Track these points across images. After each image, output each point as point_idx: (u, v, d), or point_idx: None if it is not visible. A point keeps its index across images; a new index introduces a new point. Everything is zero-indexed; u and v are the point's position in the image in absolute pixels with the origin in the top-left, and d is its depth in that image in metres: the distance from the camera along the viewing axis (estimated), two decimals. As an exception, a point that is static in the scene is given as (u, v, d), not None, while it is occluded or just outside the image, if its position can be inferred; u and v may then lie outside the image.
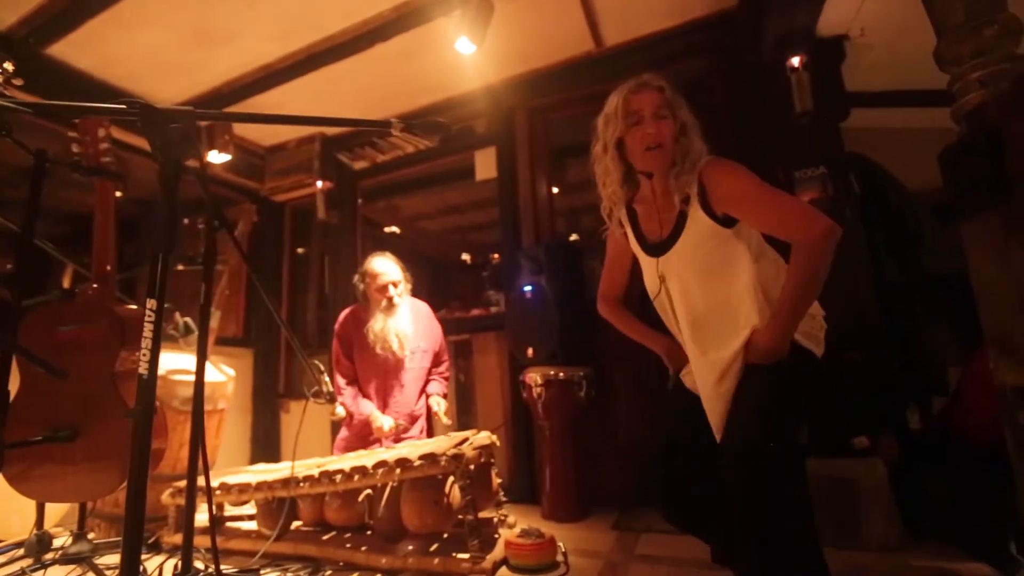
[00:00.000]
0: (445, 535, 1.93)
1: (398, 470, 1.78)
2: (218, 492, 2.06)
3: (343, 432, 2.52)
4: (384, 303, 2.43)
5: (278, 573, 1.68)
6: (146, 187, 3.36)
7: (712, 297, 1.25)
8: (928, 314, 2.18)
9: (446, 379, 2.56)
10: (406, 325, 2.45)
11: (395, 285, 2.45)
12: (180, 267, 2.47)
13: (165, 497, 2.09)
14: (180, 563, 1.26)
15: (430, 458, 1.74)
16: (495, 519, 2.04)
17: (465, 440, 1.91)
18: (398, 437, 2.40)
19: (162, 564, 1.70)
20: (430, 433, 2.52)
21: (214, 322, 2.69)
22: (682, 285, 1.28)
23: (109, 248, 1.74)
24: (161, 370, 2.29)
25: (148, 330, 0.72)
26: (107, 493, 1.61)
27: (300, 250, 4.13)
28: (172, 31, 2.54)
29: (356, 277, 2.53)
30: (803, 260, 1.11)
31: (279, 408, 3.75)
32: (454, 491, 1.79)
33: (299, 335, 3.74)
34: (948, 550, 1.64)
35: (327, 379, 1.89)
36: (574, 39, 2.73)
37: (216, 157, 3.11)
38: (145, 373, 0.71)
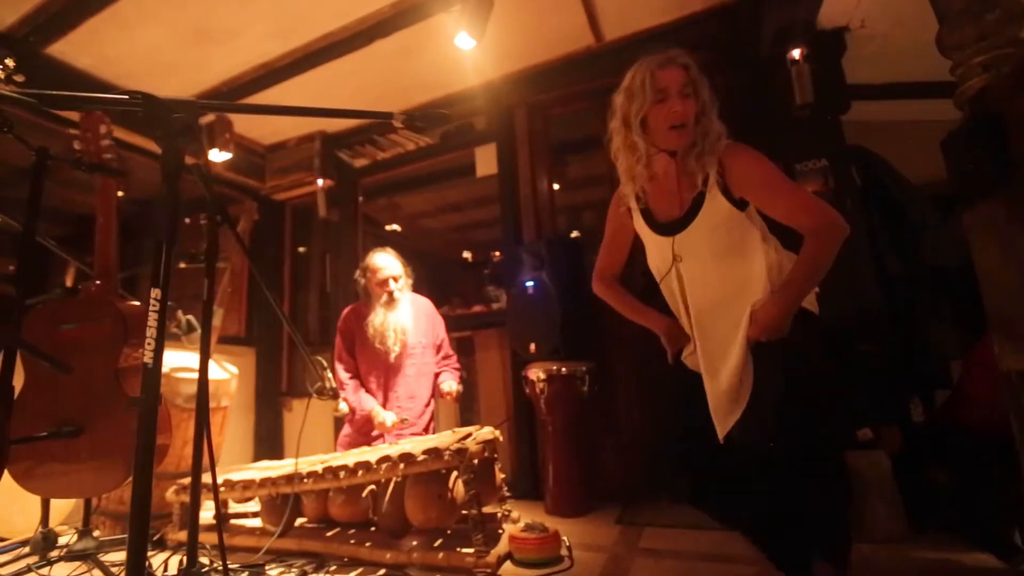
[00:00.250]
0: (449, 531, 1.93)
1: (402, 465, 1.78)
2: (222, 489, 2.06)
3: (346, 429, 2.53)
4: (384, 297, 2.46)
5: (282, 568, 1.68)
6: (148, 187, 3.37)
7: (728, 278, 1.26)
8: (930, 307, 2.18)
9: (456, 370, 2.56)
10: (406, 320, 2.47)
11: (395, 280, 2.48)
12: (182, 264, 2.49)
13: (170, 494, 2.10)
14: (185, 558, 1.26)
15: (434, 453, 1.74)
16: (499, 514, 2.04)
17: (468, 435, 1.91)
18: (401, 433, 2.40)
19: (167, 560, 1.71)
20: (435, 431, 2.53)
21: (217, 320, 2.69)
22: (700, 265, 1.28)
23: (111, 244, 1.74)
24: (165, 368, 2.29)
25: (152, 319, 0.72)
26: (112, 488, 1.61)
27: (301, 249, 4.13)
28: (171, 30, 2.54)
29: (357, 272, 2.56)
30: (814, 246, 1.13)
31: (282, 407, 3.75)
32: (458, 486, 1.80)
33: (301, 335, 3.74)
34: (952, 541, 1.64)
35: (330, 375, 1.90)
36: (573, 34, 2.72)
37: (217, 155, 3.11)
38: (150, 362, 0.72)
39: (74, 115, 1.85)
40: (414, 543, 1.77)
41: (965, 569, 1.48)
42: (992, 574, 1.45)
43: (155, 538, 2.06)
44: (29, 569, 1.69)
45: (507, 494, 2.10)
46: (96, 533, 2.00)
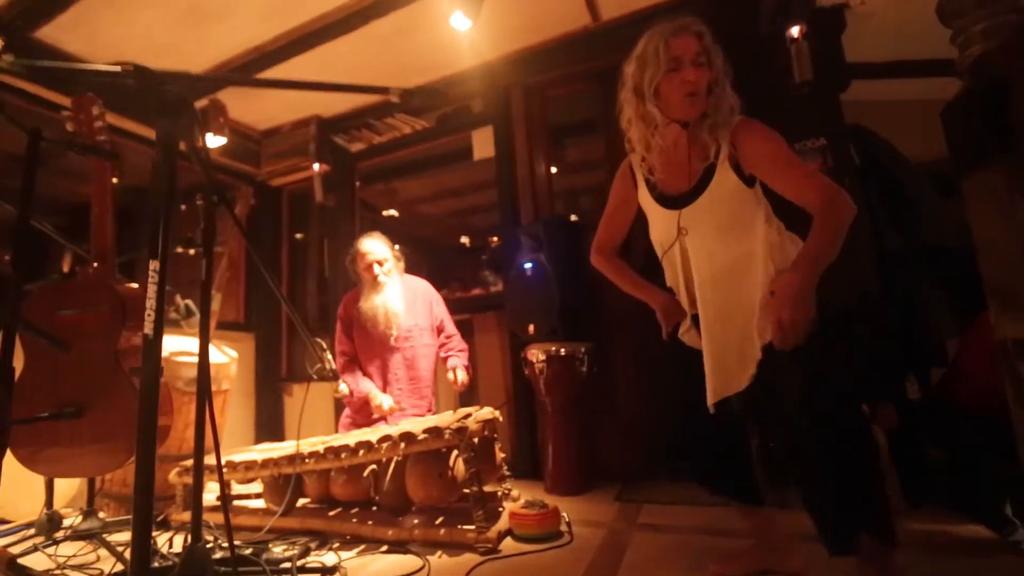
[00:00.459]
0: (450, 509, 1.96)
1: (402, 444, 1.79)
2: (225, 470, 2.08)
3: (346, 411, 2.56)
4: (371, 281, 2.48)
5: (286, 546, 1.70)
6: (142, 174, 3.34)
7: (731, 252, 1.25)
8: (927, 285, 2.19)
9: (462, 351, 2.57)
10: (396, 303, 2.48)
11: (381, 263, 2.50)
12: (179, 249, 2.48)
13: (173, 476, 2.12)
14: (190, 535, 1.28)
15: (434, 431, 1.75)
16: (499, 493, 2.07)
17: (468, 415, 1.93)
18: (401, 414, 2.43)
19: (171, 537, 1.73)
20: (437, 412, 2.55)
21: (215, 305, 2.69)
22: (705, 239, 1.27)
23: (107, 227, 1.74)
24: (164, 352, 2.29)
25: (151, 291, 0.72)
26: (115, 468, 1.63)
27: (298, 235, 4.11)
28: (162, 12, 2.50)
29: (348, 258, 2.59)
30: (821, 223, 1.11)
31: (282, 392, 3.77)
32: (458, 464, 1.82)
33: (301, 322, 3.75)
34: (946, 514, 1.67)
35: (330, 356, 1.91)
36: (570, 13, 2.69)
37: (211, 140, 3.08)
38: (151, 333, 0.72)
39: (66, 100, 1.83)
40: (415, 521, 1.80)
41: (958, 540, 1.51)
42: (984, 545, 1.48)
43: (159, 519, 2.09)
44: (36, 548, 1.71)
45: (507, 473, 2.12)
46: (101, 514, 2.02)
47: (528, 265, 2.52)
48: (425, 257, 5.82)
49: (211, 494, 2.22)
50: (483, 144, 3.18)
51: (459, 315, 3.09)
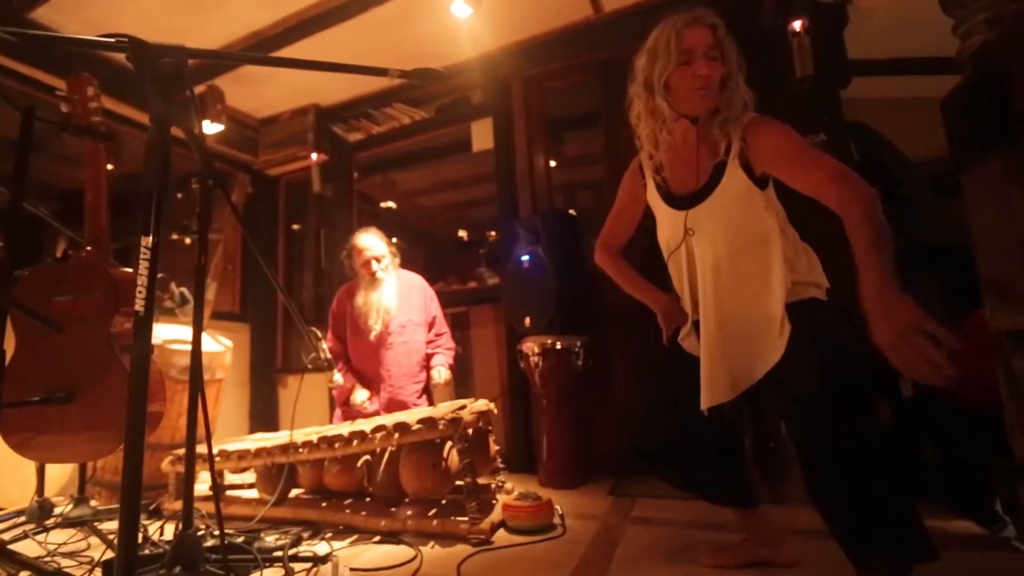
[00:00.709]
0: (444, 500, 1.95)
1: (396, 434, 1.79)
2: (217, 459, 2.07)
3: (338, 411, 2.56)
4: (368, 278, 2.48)
5: (278, 535, 1.70)
6: (138, 161, 3.31)
7: (739, 259, 1.20)
8: (923, 284, 2.19)
9: (449, 350, 2.57)
10: (390, 299, 2.49)
11: (378, 260, 2.50)
12: (175, 236, 2.47)
13: (165, 465, 2.11)
14: (181, 522, 1.27)
15: (428, 422, 1.75)
16: (493, 485, 2.06)
17: (463, 407, 1.92)
18: (391, 408, 2.43)
19: (162, 525, 1.72)
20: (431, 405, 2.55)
21: (211, 294, 2.68)
22: (711, 242, 1.23)
23: (102, 210, 1.72)
24: (158, 340, 2.29)
25: (143, 268, 0.71)
26: (106, 454, 1.62)
27: (295, 226, 4.09)
28: (160, -5, 2.48)
29: (343, 253, 2.59)
30: (857, 215, 0.98)
31: (277, 383, 3.76)
32: (452, 455, 1.81)
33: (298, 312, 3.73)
34: (936, 510, 1.67)
35: (325, 346, 1.90)
36: (572, 4, 2.67)
37: (208, 127, 3.05)
38: (142, 311, 0.71)
39: (61, 82, 1.80)
40: (409, 512, 1.79)
41: (949, 536, 1.51)
42: (974, 540, 1.48)
43: (151, 508, 2.08)
44: (26, 535, 1.70)
45: (501, 465, 2.12)
46: (93, 502, 2.01)
47: (525, 258, 2.51)
48: (423, 250, 5.81)
49: (204, 484, 2.21)
50: (482, 136, 3.17)
51: (456, 308, 3.09)
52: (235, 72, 3.06)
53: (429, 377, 2.56)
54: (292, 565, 1.44)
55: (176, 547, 1.22)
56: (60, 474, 2.29)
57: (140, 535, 1.62)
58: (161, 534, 1.66)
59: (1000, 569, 1.32)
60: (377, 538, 1.71)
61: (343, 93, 3.42)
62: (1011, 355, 0.88)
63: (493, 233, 4.59)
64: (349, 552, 1.62)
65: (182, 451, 2.03)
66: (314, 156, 3.51)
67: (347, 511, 1.88)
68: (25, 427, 1.58)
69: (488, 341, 2.96)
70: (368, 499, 1.98)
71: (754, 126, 1.17)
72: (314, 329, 1.84)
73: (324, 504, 1.97)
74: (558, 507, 1.80)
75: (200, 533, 1.39)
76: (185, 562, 1.21)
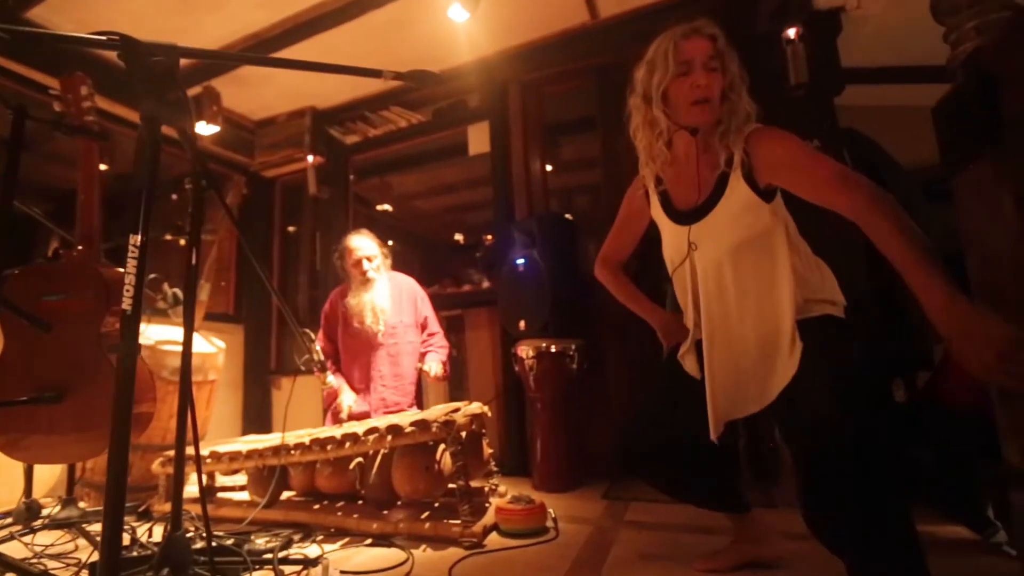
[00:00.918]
0: (436, 503, 1.94)
1: (389, 437, 1.78)
2: (209, 461, 2.06)
3: (329, 414, 2.55)
4: (359, 278, 2.49)
5: (268, 537, 1.68)
6: (132, 160, 3.30)
7: (746, 276, 1.16)
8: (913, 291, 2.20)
9: (442, 348, 2.56)
10: (383, 300, 2.49)
11: (369, 260, 2.50)
12: (168, 236, 2.45)
13: (156, 466, 2.09)
14: (170, 524, 1.26)
15: (421, 424, 1.74)
16: (486, 488, 2.05)
17: (457, 409, 1.92)
18: (385, 411, 2.41)
19: (151, 527, 1.70)
20: (424, 409, 2.54)
21: (204, 295, 2.67)
22: (714, 258, 1.19)
23: (93, 209, 1.71)
24: (150, 341, 2.27)
25: (131, 266, 0.71)
26: (96, 454, 1.60)
27: (291, 228, 4.08)
28: (157, -5, 2.47)
29: (335, 254, 2.60)
30: (881, 220, 0.91)
31: (270, 384, 3.74)
32: (445, 458, 1.80)
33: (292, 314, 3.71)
34: (929, 515, 1.68)
35: (318, 347, 1.89)
36: (568, 9, 2.69)
37: (204, 129, 3.05)
38: (129, 309, 0.70)
39: (55, 81, 1.80)
40: (401, 514, 1.78)
41: (941, 541, 1.52)
42: (966, 546, 1.49)
43: (141, 509, 2.06)
44: (12, 537, 1.67)
45: (494, 468, 2.11)
46: (82, 504, 1.99)
47: (521, 261, 2.51)
48: (419, 253, 5.81)
49: (194, 486, 2.19)
50: (479, 139, 3.17)
51: (451, 311, 3.08)
52: (232, 73, 3.06)
53: (420, 378, 2.55)
54: (282, 568, 1.42)
55: (164, 549, 1.20)
56: (48, 475, 2.27)
57: (128, 537, 1.60)
58: (150, 536, 1.64)
59: (991, 574, 1.32)
60: (369, 541, 1.70)
61: (340, 96, 3.42)
62: (1001, 359, 0.88)
63: (489, 237, 4.59)
64: (340, 555, 1.60)
65: (173, 452, 2.01)
66: (310, 158, 3.50)
67: (339, 513, 1.86)
68: (13, 427, 1.56)
69: (483, 344, 2.95)
70: (360, 502, 1.97)
71: (756, 136, 1.13)
72: (307, 331, 1.83)
73: (316, 506, 1.96)
74: (551, 510, 1.79)
75: (189, 535, 1.37)
76: (173, 565, 1.19)
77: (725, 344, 1.18)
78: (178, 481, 1.30)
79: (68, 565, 1.49)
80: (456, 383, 3.06)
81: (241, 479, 2.24)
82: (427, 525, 1.71)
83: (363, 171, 3.97)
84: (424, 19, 2.62)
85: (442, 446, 1.80)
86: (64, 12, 2.52)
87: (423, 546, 1.63)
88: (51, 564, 1.49)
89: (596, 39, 2.80)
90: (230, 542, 1.53)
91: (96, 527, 1.77)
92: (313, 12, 2.64)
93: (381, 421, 1.93)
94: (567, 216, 3.05)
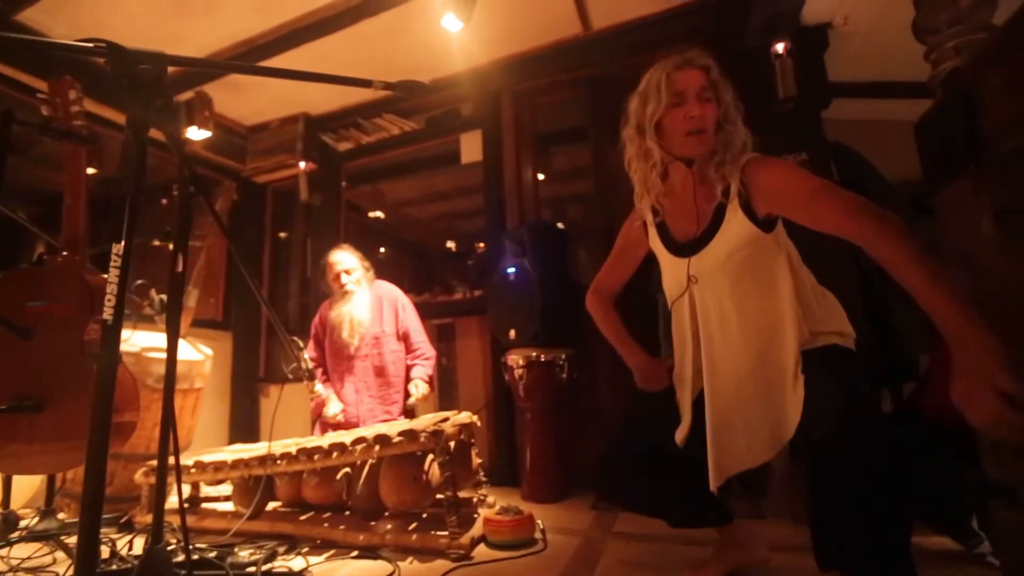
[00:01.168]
0: (424, 514, 1.92)
1: (377, 447, 1.76)
2: (194, 470, 2.02)
3: (318, 424, 2.54)
4: (339, 291, 2.54)
5: (252, 549, 1.65)
6: (120, 165, 3.28)
7: (748, 309, 1.13)
8: (901, 301, 2.23)
9: (428, 359, 2.55)
10: (362, 312, 2.52)
11: (348, 273, 2.54)
12: (156, 242, 2.43)
13: (138, 476, 2.05)
14: (151, 536, 1.23)
15: (409, 434, 1.72)
16: (474, 499, 2.04)
17: (445, 419, 1.90)
18: (370, 421, 2.40)
19: (132, 539, 1.67)
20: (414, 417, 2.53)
21: (192, 301, 2.64)
22: (715, 292, 1.16)
23: (80, 215, 1.69)
24: (135, 348, 2.24)
25: (114, 276, 0.70)
26: (78, 465, 1.57)
27: (282, 234, 4.06)
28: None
29: (319, 272, 2.65)
30: (890, 246, 0.89)
31: (259, 392, 3.70)
32: (433, 468, 1.79)
33: (280, 321, 3.67)
34: (913, 526, 1.68)
35: (307, 356, 1.88)
36: (562, 21, 2.71)
37: (196, 134, 3.03)
38: (110, 319, 0.69)
39: (43, 84, 1.78)
40: (388, 526, 1.76)
41: (925, 552, 1.52)
42: (951, 557, 1.49)
43: (123, 520, 2.02)
44: (-13, 549, 1.63)
45: (483, 479, 2.09)
46: (61, 516, 1.95)
47: (511, 270, 2.51)
48: (411, 260, 5.80)
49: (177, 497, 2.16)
50: (471, 148, 3.19)
51: (442, 319, 3.08)
52: (225, 79, 3.05)
53: (408, 390, 2.54)
54: (265, 581, 1.40)
55: (144, 563, 1.18)
56: (27, 486, 2.22)
57: (108, 550, 1.57)
58: (130, 548, 1.61)
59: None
60: (355, 553, 1.68)
61: (333, 102, 3.42)
62: (983, 373, 0.89)
63: (482, 245, 4.60)
64: (326, 567, 1.58)
65: (156, 462, 1.98)
66: (302, 164, 3.50)
67: (325, 525, 1.84)
68: (-7, 435, 1.53)
69: (473, 352, 2.94)
70: (347, 512, 1.94)
71: (753, 166, 1.11)
72: (296, 339, 1.81)
73: (302, 517, 1.93)
74: (539, 521, 1.78)
75: (171, 548, 1.35)
76: (153, 578, 1.17)
77: (728, 382, 1.13)
78: (160, 492, 1.28)
79: (45, 578, 1.45)
80: (446, 392, 3.05)
81: (226, 489, 2.21)
82: (414, 537, 1.69)
83: (355, 178, 3.97)
84: (418, 28, 2.63)
85: (430, 456, 1.79)
86: (56, 14, 2.51)
87: (410, 558, 1.61)
88: (27, 577, 1.46)
89: (588, 51, 2.83)
90: (213, 555, 1.51)
91: (75, 539, 1.73)
92: (307, 19, 2.65)
93: (369, 431, 1.91)
94: (558, 225, 3.06)
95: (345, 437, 1.90)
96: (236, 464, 1.96)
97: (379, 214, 5.12)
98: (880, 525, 0.93)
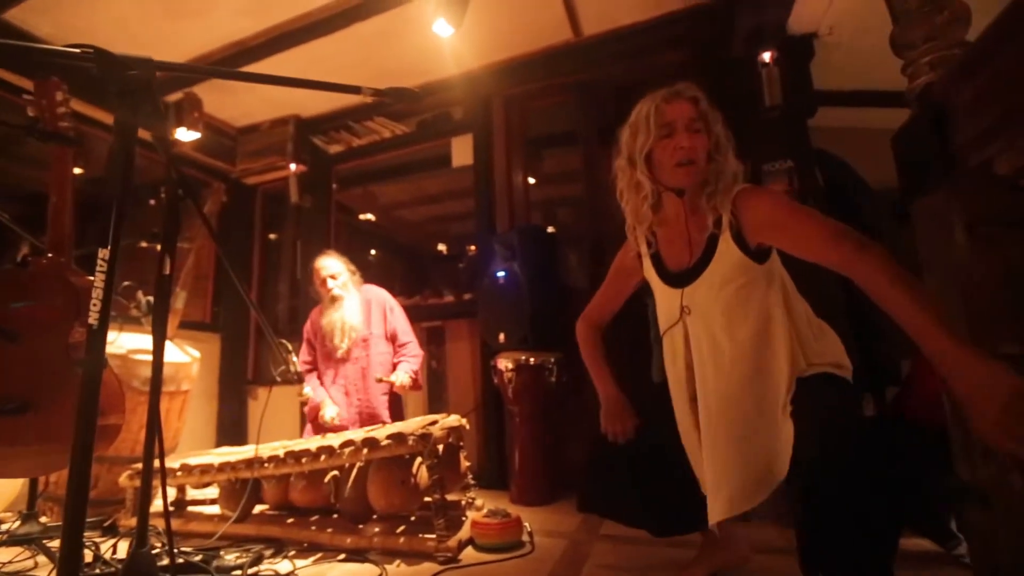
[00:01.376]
0: (412, 517, 1.93)
1: (365, 450, 1.76)
2: (180, 473, 2.01)
3: (309, 427, 2.53)
4: (327, 296, 2.55)
5: (238, 552, 1.65)
6: (107, 166, 3.25)
7: (742, 341, 1.12)
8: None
9: (415, 357, 2.55)
10: (352, 316, 2.53)
11: (334, 278, 2.56)
12: (144, 244, 2.41)
13: (123, 479, 2.04)
14: (135, 540, 1.23)
15: (398, 437, 1.73)
16: (463, 502, 2.04)
17: (434, 422, 1.91)
18: (360, 423, 2.40)
19: (116, 542, 1.65)
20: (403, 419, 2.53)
21: (180, 303, 2.62)
22: (708, 323, 1.17)
23: (65, 216, 1.67)
24: (121, 350, 2.22)
25: (99, 280, 0.70)
26: (62, 468, 1.55)
27: (272, 236, 4.04)
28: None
29: (307, 276, 2.67)
30: (871, 272, 0.90)
31: (247, 395, 3.67)
32: (421, 471, 1.79)
33: (270, 324, 3.65)
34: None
35: (295, 359, 1.87)
36: (552, 27, 2.74)
37: (185, 135, 3.02)
38: (96, 324, 0.69)
39: (29, 84, 1.77)
40: (376, 529, 1.76)
41: (904, 554, 1.53)
42: (930, 558, 1.52)
43: (106, 524, 2.00)
44: (-32, 554, 1.61)
45: (471, 482, 2.10)
46: (43, 519, 1.92)
47: (501, 274, 2.52)
48: (402, 262, 5.79)
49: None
50: (462, 152, 3.20)
51: (432, 321, 3.08)
52: (215, 80, 3.04)
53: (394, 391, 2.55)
54: (251, 585, 1.40)
55: (128, 566, 1.17)
56: (9, 489, 2.19)
57: (91, 554, 1.55)
58: (114, 552, 1.60)
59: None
60: (342, 556, 1.68)
61: (324, 105, 3.42)
62: (955, 379, 0.91)
63: (473, 247, 4.60)
64: (312, 571, 1.58)
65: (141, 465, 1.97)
66: (293, 167, 3.49)
67: (313, 528, 1.83)
68: (-27, 439, 1.51)
69: (463, 355, 2.95)
70: (335, 516, 1.94)
71: (743, 197, 1.13)
72: (284, 342, 1.81)
73: (289, 521, 1.92)
74: (527, 524, 1.79)
75: (155, 551, 1.34)
76: (137, 582, 1.16)
77: (723, 415, 1.12)
78: (145, 495, 1.27)
79: (27, 583, 1.44)
80: (435, 395, 3.05)
81: (213, 492, 2.20)
82: (402, 540, 1.70)
83: (346, 180, 3.96)
84: (410, 32, 2.64)
85: (419, 459, 1.79)
86: (43, 14, 2.48)
87: (397, 561, 1.62)
88: (8, 582, 1.44)
89: (579, 56, 2.85)
90: (198, 558, 1.50)
91: (57, 543, 1.71)
92: (298, 22, 2.65)
93: (357, 434, 1.91)
94: (548, 229, 3.08)
95: (333, 440, 1.89)
96: (223, 467, 1.95)
97: (370, 216, 5.11)
98: (866, 538, 0.94)
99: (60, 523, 1.88)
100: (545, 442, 2.41)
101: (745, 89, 2.36)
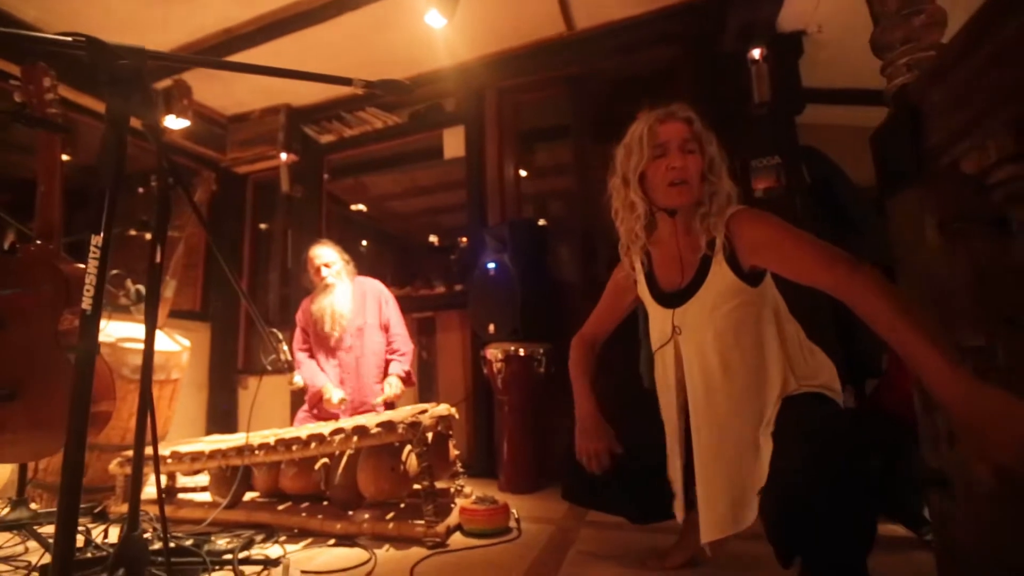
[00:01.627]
0: (402, 504, 1.96)
1: (355, 437, 1.78)
2: (170, 461, 2.02)
3: (304, 407, 2.55)
4: (320, 284, 2.57)
5: (230, 538, 1.67)
6: (97, 153, 3.21)
7: (732, 362, 1.13)
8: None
9: (404, 355, 2.58)
10: (343, 304, 2.54)
11: (328, 266, 2.58)
12: (133, 232, 2.40)
13: (113, 466, 2.05)
14: (127, 524, 1.24)
15: (387, 425, 1.75)
16: (451, 490, 2.08)
17: (424, 411, 1.94)
18: (352, 411, 2.42)
19: (107, 527, 1.67)
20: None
21: (169, 292, 2.62)
22: (699, 344, 1.17)
23: (54, 203, 1.67)
24: (111, 338, 2.22)
25: (92, 267, 0.71)
26: (51, 454, 1.57)
27: (263, 225, 4.03)
28: (127, -16, 2.43)
29: (300, 266, 2.67)
30: (866, 297, 0.91)
31: (237, 384, 3.68)
32: (411, 459, 1.82)
33: (260, 313, 3.63)
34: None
35: (285, 348, 1.89)
36: (545, 20, 2.74)
37: (174, 123, 2.99)
38: (88, 309, 0.71)
39: (16, 69, 1.75)
40: (366, 515, 1.79)
41: (878, 540, 1.60)
42: (901, 543, 1.58)
43: (96, 511, 2.01)
44: (-43, 540, 1.62)
45: (460, 470, 2.13)
46: (33, 505, 1.93)
47: (491, 265, 2.55)
48: (393, 254, 5.78)
49: (153, 487, 2.15)
50: (454, 144, 3.20)
51: (423, 312, 3.10)
52: (204, 68, 3.01)
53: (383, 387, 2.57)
54: (242, 568, 1.42)
55: (120, 550, 1.19)
56: (-2, 476, 2.19)
57: (83, 538, 1.57)
58: (105, 537, 1.61)
59: (924, 568, 1.41)
60: (332, 541, 1.70)
61: (315, 95, 3.40)
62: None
63: (464, 239, 4.61)
64: (303, 555, 1.60)
65: (131, 452, 1.97)
66: (284, 156, 3.47)
67: (303, 514, 1.86)
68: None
69: (453, 346, 2.98)
70: (325, 503, 1.96)
71: (737, 219, 1.13)
72: (274, 331, 1.82)
73: (280, 507, 1.94)
74: (514, 511, 1.83)
75: (147, 536, 1.36)
76: (129, 565, 1.18)
77: (713, 436, 1.13)
78: (136, 480, 1.29)
79: (17, 568, 1.45)
80: (425, 385, 3.08)
81: (203, 479, 2.21)
82: (391, 525, 1.73)
83: (338, 170, 3.95)
84: (402, 22, 2.64)
85: (408, 447, 1.82)
86: (29, -1, 2.45)
87: (386, 546, 1.65)
88: (-1, 566, 1.45)
89: (571, 50, 2.86)
90: (189, 543, 1.52)
91: (48, 529, 1.72)
92: (290, 10, 2.63)
93: (347, 422, 1.94)
94: (540, 221, 3.10)
95: (323, 428, 1.91)
96: (214, 454, 1.97)
97: (361, 207, 5.10)
98: (850, 530, 0.97)
99: (50, 509, 1.90)
100: (533, 431, 2.45)
101: (735, 85, 2.39)
